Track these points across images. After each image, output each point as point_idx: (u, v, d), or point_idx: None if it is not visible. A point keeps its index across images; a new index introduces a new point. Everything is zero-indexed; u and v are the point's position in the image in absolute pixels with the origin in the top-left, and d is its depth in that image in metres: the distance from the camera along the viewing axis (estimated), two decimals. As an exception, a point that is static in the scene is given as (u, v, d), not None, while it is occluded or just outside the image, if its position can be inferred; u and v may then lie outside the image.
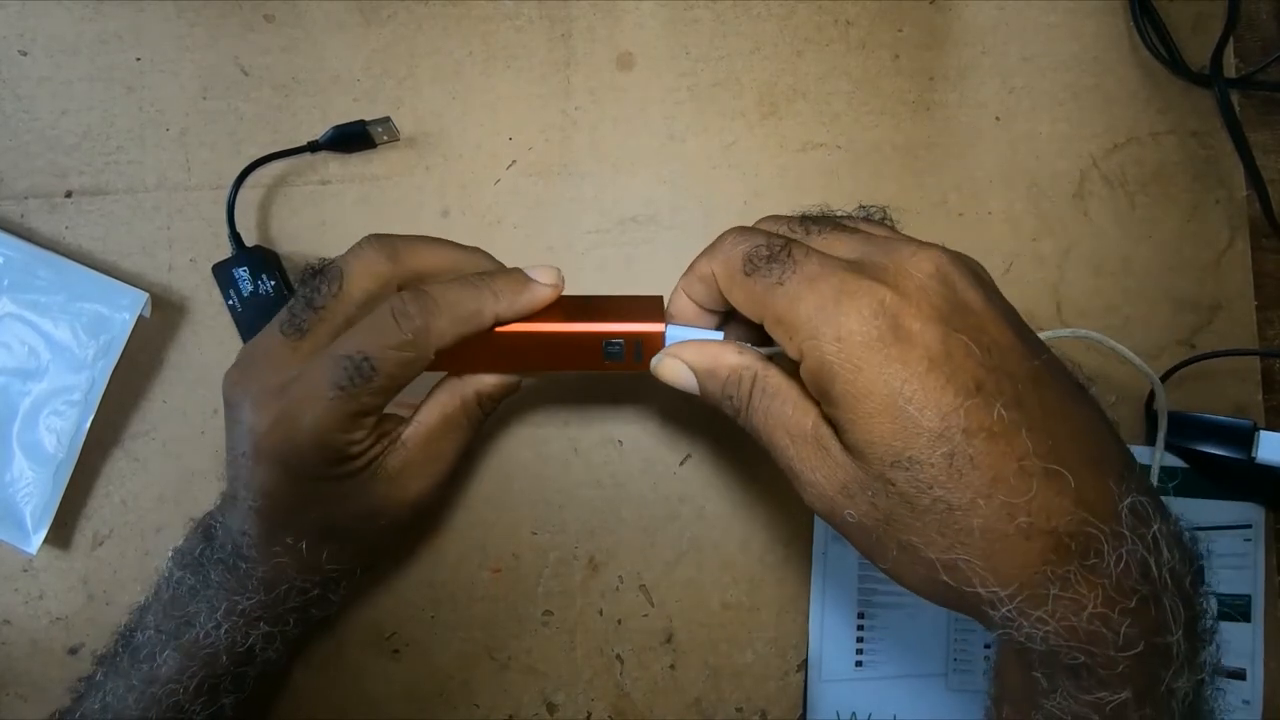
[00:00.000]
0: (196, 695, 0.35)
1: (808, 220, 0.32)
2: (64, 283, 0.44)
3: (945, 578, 0.26)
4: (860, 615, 0.45)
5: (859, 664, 0.45)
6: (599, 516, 0.46)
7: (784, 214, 0.34)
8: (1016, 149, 0.47)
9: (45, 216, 0.46)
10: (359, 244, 0.35)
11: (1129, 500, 0.25)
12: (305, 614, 0.38)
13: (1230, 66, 0.47)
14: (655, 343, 0.35)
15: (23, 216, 0.46)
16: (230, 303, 0.43)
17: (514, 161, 0.47)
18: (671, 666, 0.45)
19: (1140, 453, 0.45)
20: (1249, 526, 0.44)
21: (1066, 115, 0.47)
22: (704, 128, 0.47)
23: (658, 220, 0.47)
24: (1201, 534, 0.44)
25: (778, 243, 0.29)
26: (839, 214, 0.35)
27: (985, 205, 0.47)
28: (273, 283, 0.43)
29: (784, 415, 0.29)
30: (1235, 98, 0.46)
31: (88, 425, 0.43)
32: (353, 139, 0.45)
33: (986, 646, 0.45)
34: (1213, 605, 0.27)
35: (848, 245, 0.30)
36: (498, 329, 0.35)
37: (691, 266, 0.33)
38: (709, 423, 0.46)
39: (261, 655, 0.36)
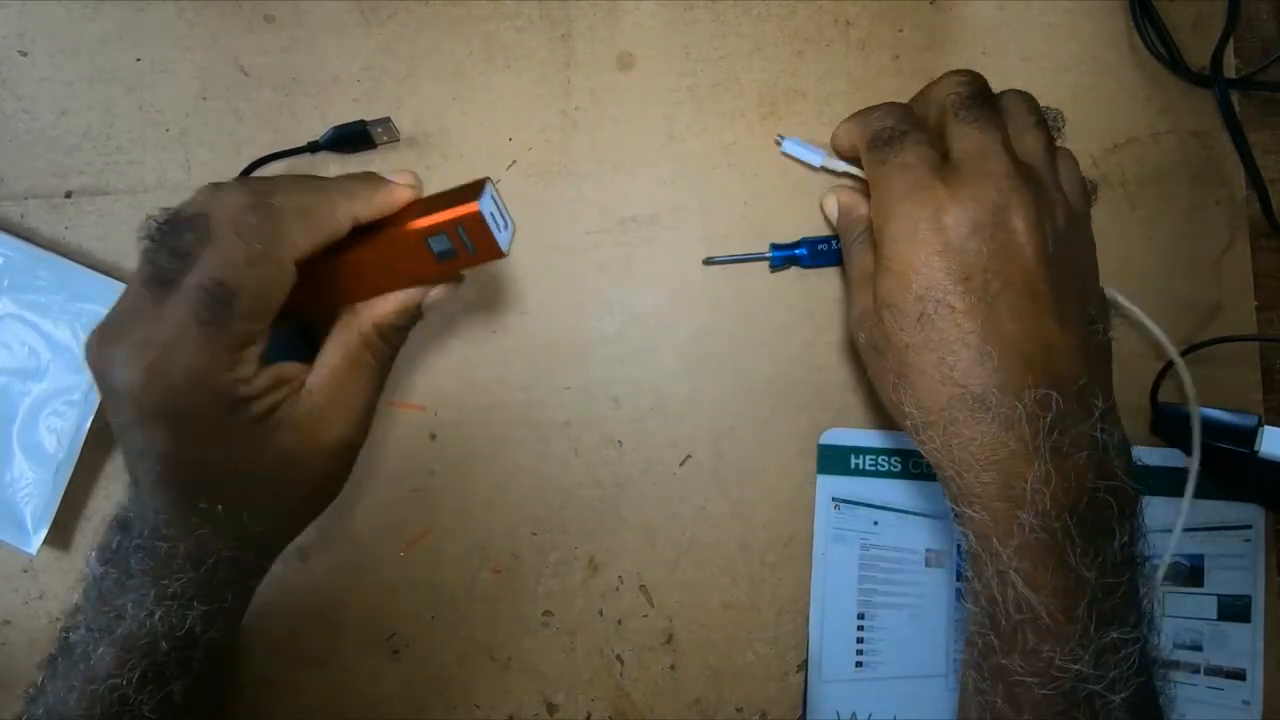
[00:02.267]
0: (141, 686, 0.33)
1: (968, 100, 0.36)
2: (64, 283, 0.44)
3: (892, 394, 0.36)
4: (860, 615, 0.45)
5: (859, 664, 0.45)
6: (599, 516, 0.46)
7: (981, 85, 0.37)
8: (1016, 149, 0.47)
9: (45, 216, 0.46)
10: (221, 185, 0.32)
11: (1040, 391, 0.32)
12: (243, 586, 0.36)
13: (1230, 66, 0.47)
14: (475, 225, 0.32)
15: (23, 216, 0.46)
16: None
17: (514, 161, 0.47)
18: (671, 667, 0.45)
19: (1145, 453, 0.45)
20: (1249, 527, 0.44)
21: (1067, 115, 0.47)
22: (704, 128, 0.47)
23: (658, 220, 0.47)
24: (1200, 534, 0.44)
25: (900, 129, 0.36)
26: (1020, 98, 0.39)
27: (985, 205, 0.47)
28: None
29: (865, 257, 0.39)
30: (1235, 98, 0.46)
31: (88, 425, 0.43)
32: (353, 139, 0.45)
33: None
34: (1124, 501, 0.33)
35: (969, 142, 0.35)
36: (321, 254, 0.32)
37: (845, 125, 0.41)
38: (709, 422, 0.46)
39: (204, 636, 0.34)
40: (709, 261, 0.46)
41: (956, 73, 0.38)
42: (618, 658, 0.45)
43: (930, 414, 0.34)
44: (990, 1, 0.48)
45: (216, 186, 0.32)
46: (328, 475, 0.36)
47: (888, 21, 0.47)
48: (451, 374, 0.46)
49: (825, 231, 0.46)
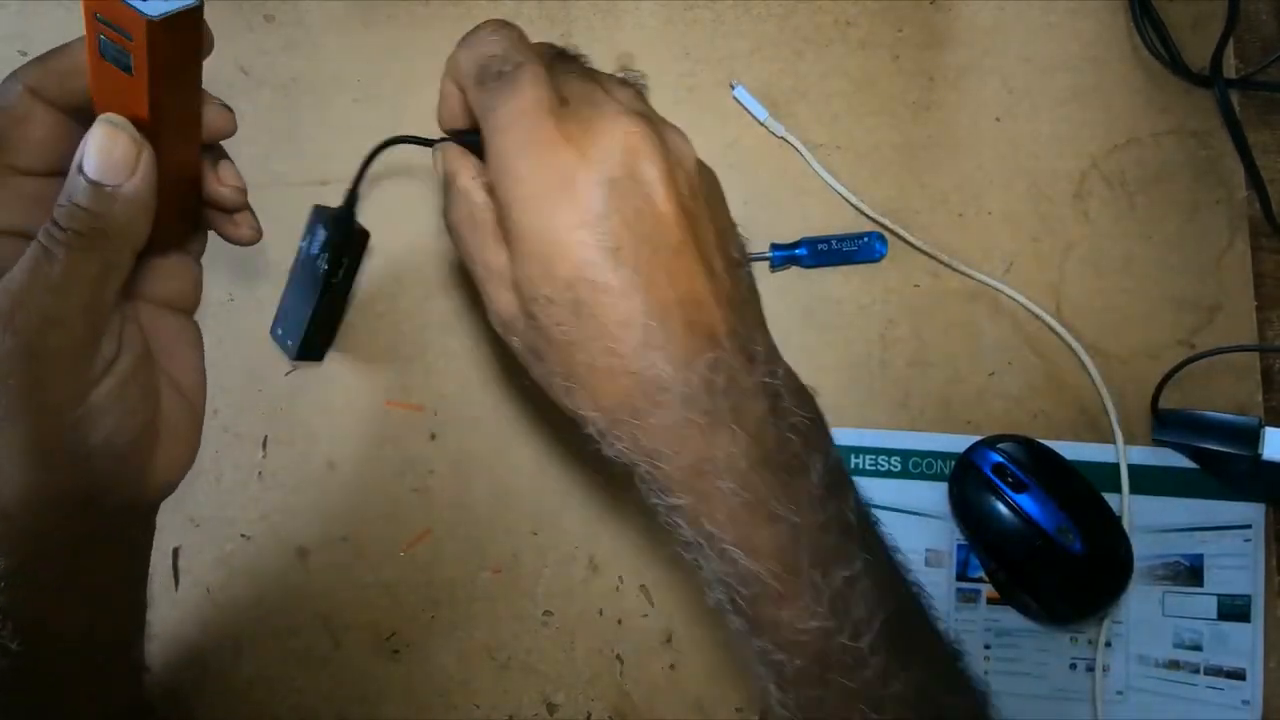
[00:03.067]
0: None
1: (563, 52, 0.33)
2: (64, 283, 0.44)
3: (564, 400, 0.31)
4: (860, 615, 0.45)
5: (859, 664, 0.45)
6: (599, 516, 0.46)
7: (553, 42, 0.34)
8: (1016, 149, 0.47)
9: (45, 216, 0.46)
10: None
11: (709, 356, 0.29)
12: None
13: (1230, 67, 0.47)
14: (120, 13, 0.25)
15: (23, 216, 0.46)
16: (302, 244, 0.41)
17: (514, 161, 0.47)
18: (671, 666, 0.45)
19: (1145, 453, 0.45)
20: (1249, 527, 0.44)
21: (1066, 115, 0.47)
22: (704, 128, 0.47)
23: (658, 220, 0.47)
24: (1201, 534, 0.44)
25: (514, 59, 0.30)
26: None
27: (985, 205, 0.47)
28: (326, 255, 0.40)
29: (486, 239, 0.31)
30: (1235, 98, 0.46)
31: (88, 425, 0.43)
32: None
33: (987, 647, 0.45)
34: (816, 438, 0.32)
35: (577, 88, 0.31)
36: None
37: (461, 44, 0.33)
38: (709, 423, 0.46)
39: None
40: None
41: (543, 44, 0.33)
42: (618, 657, 0.45)
43: (612, 413, 0.30)
44: (990, 1, 0.48)
45: None
46: (5, 367, 0.27)
47: (888, 21, 0.47)
48: (451, 374, 0.46)
49: (825, 231, 0.46)
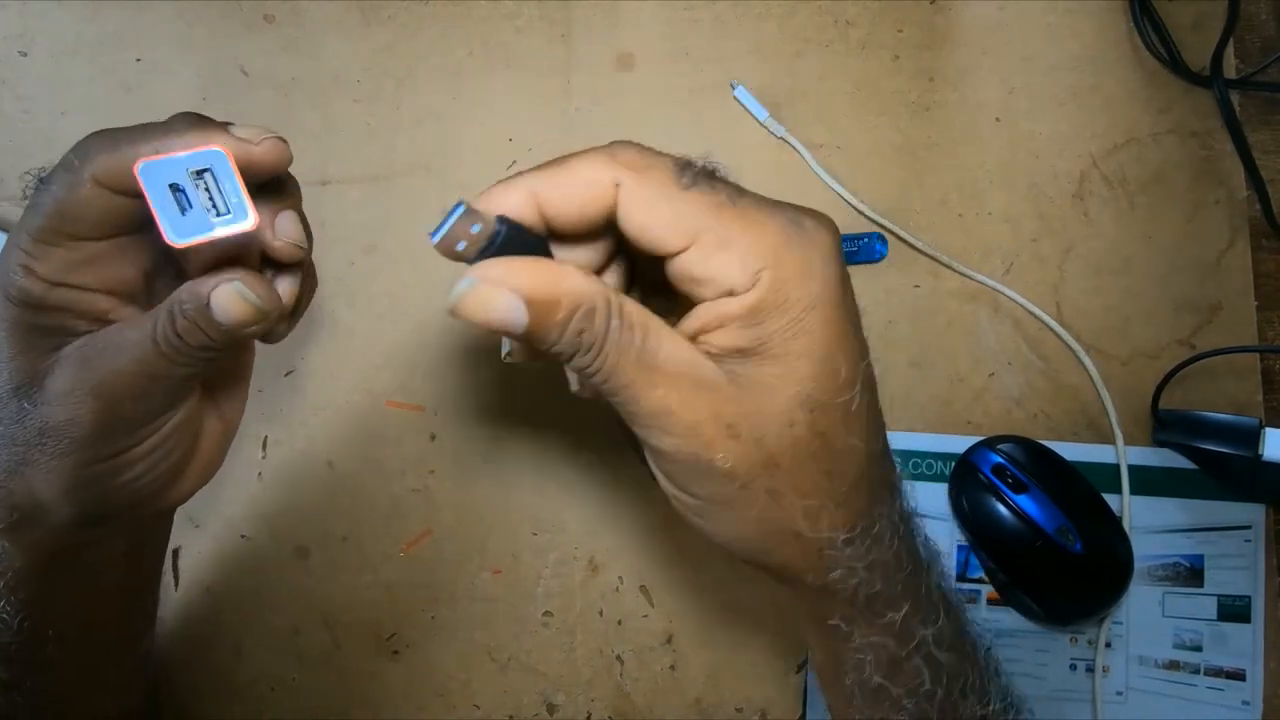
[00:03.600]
0: None
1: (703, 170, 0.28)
2: (64, 283, 0.44)
3: (800, 524, 0.27)
4: (860, 615, 0.45)
5: (859, 664, 0.45)
6: (599, 516, 0.46)
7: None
8: (1016, 149, 0.47)
9: (45, 216, 0.46)
10: None
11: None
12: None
13: (1230, 67, 0.47)
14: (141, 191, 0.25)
15: (23, 216, 0.46)
16: None
17: (514, 161, 0.47)
18: (671, 667, 0.45)
19: (1145, 454, 0.45)
20: (1249, 527, 0.44)
21: (1066, 115, 0.47)
22: (704, 128, 0.47)
23: (658, 220, 0.47)
24: (1201, 534, 0.44)
25: (708, 164, 0.27)
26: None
27: (985, 205, 0.47)
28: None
29: (655, 348, 0.25)
30: (1235, 98, 0.46)
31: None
32: None
33: (987, 649, 0.44)
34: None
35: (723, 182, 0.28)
36: None
37: (568, 169, 0.26)
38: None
39: None
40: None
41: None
42: (618, 658, 0.45)
43: (861, 524, 0.27)
44: (990, 1, 0.48)
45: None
46: (56, 425, 0.29)
47: (888, 21, 0.47)
48: (451, 374, 0.46)
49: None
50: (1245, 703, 0.44)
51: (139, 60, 0.47)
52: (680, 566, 0.46)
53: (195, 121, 0.27)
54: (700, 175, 0.26)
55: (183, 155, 0.24)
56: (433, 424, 0.46)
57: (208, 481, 0.34)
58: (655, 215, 0.26)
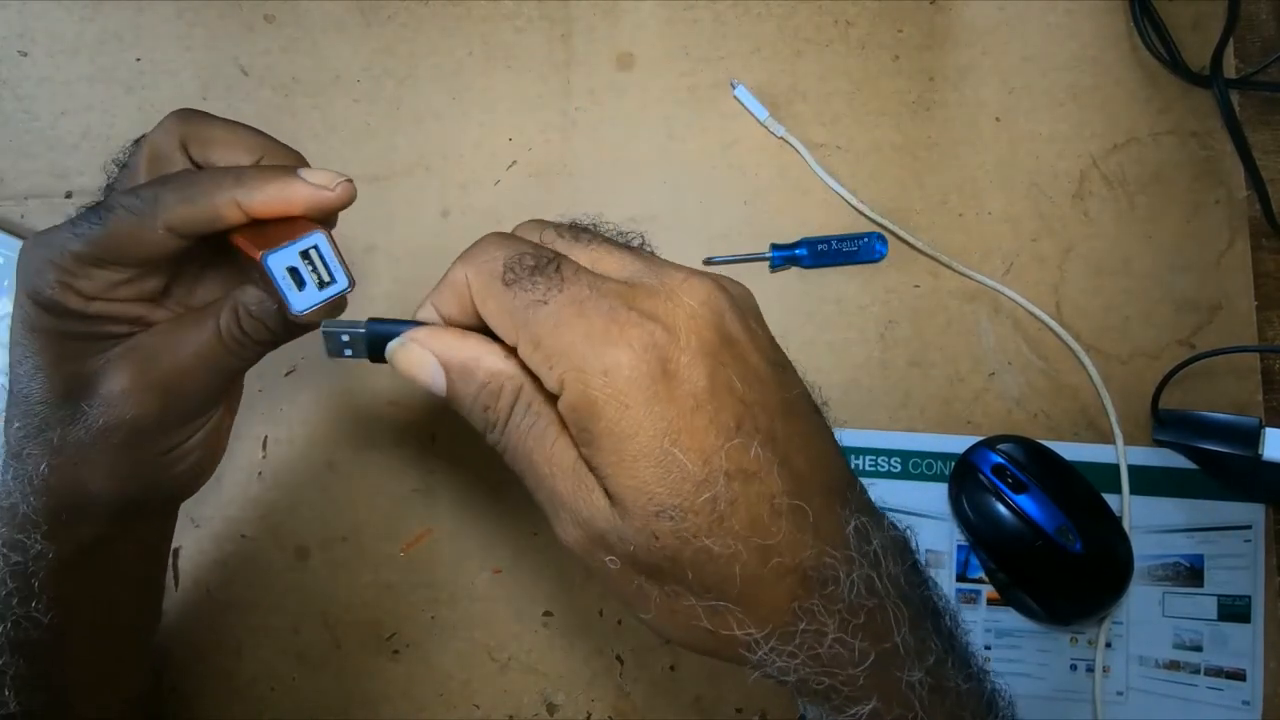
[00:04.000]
0: None
1: (578, 229, 0.29)
2: (64, 283, 0.44)
3: (706, 624, 0.26)
4: (860, 615, 0.45)
5: (859, 664, 0.45)
6: (599, 516, 0.46)
7: (550, 219, 0.30)
8: (1016, 149, 0.47)
9: (45, 216, 0.46)
10: (175, 113, 0.32)
11: (853, 523, 0.26)
12: (14, 536, 0.31)
13: (1230, 66, 0.47)
14: (262, 271, 0.29)
15: (23, 217, 0.46)
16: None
17: (514, 161, 0.47)
18: (671, 667, 0.45)
19: (1145, 454, 0.45)
20: (1249, 527, 0.44)
21: (1066, 115, 0.47)
22: (704, 128, 0.47)
23: (658, 220, 0.47)
24: (1201, 534, 0.44)
25: (546, 254, 0.26)
26: (607, 229, 0.31)
27: (985, 205, 0.47)
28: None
29: (547, 441, 0.26)
30: (1235, 98, 0.46)
31: (88, 425, 0.43)
32: None
33: (987, 648, 0.45)
34: (934, 584, 0.29)
35: (618, 263, 0.27)
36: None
37: (445, 275, 0.28)
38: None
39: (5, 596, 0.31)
40: (709, 261, 0.46)
41: (523, 224, 0.30)
42: (618, 658, 0.45)
43: (782, 625, 0.25)
44: (990, 1, 0.48)
45: (178, 110, 0.33)
46: (115, 424, 0.31)
47: (888, 21, 0.47)
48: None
49: (825, 231, 0.46)
50: (1245, 703, 0.44)
51: (139, 60, 0.47)
52: (680, 566, 0.46)
53: (271, 175, 0.30)
54: (526, 270, 0.26)
55: (296, 243, 0.29)
56: (433, 424, 0.46)
57: (211, 474, 0.36)
58: (487, 313, 0.26)
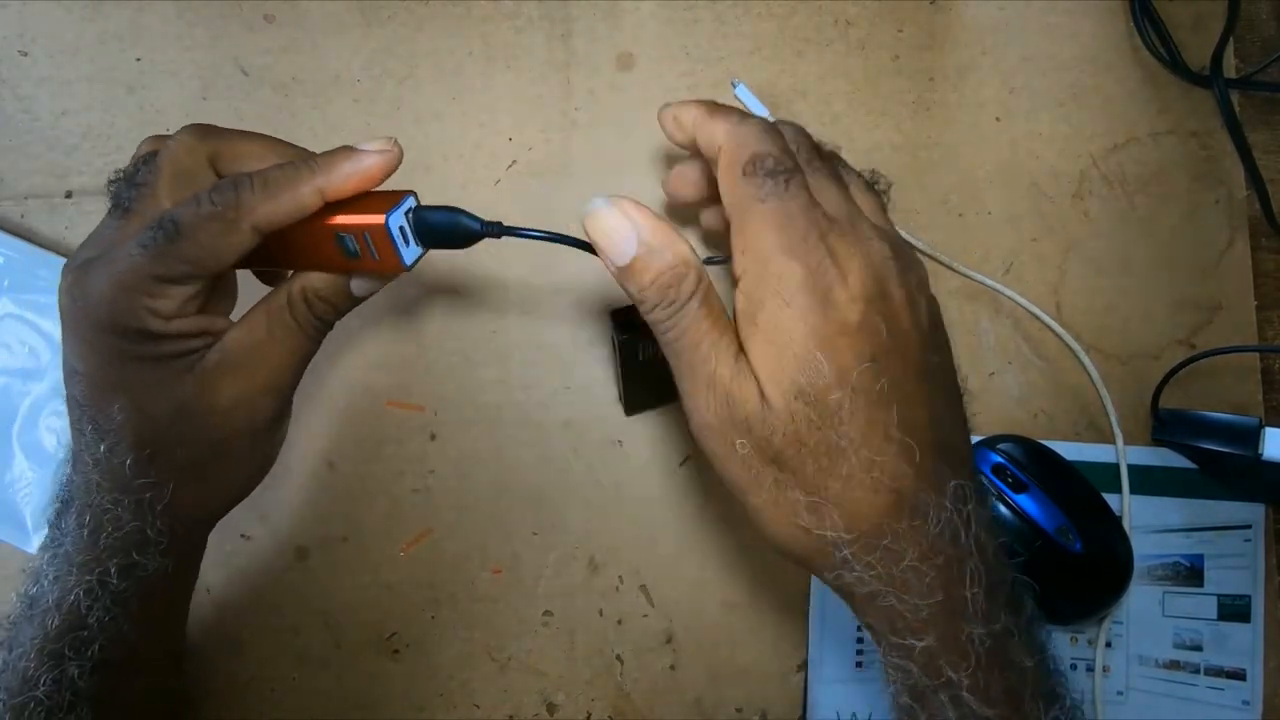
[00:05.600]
0: (40, 662, 0.32)
1: (824, 154, 0.32)
2: (64, 283, 0.44)
3: (803, 520, 0.29)
4: (860, 615, 0.45)
5: (859, 665, 0.45)
6: (599, 516, 0.46)
7: (808, 132, 0.33)
8: (1016, 149, 0.47)
9: (45, 216, 0.46)
10: (183, 129, 0.34)
11: (955, 482, 0.29)
12: (128, 560, 0.32)
13: (1230, 67, 0.47)
14: (380, 237, 0.32)
15: (23, 216, 0.46)
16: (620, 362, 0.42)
17: (514, 161, 0.47)
18: (671, 667, 0.45)
19: (1145, 453, 0.45)
20: (1249, 527, 0.44)
21: (1066, 115, 0.47)
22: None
23: (658, 220, 0.47)
24: (1201, 534, 0.44)
25: (785, 164, 0.30)
26: (846, 164, 0.35)
27: (985, 205, 0.47)
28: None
29: (716, 331, 0.30)
30: (1235, 98, 0.46)
31: (88, 425, 0.43)
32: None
33: None
34: (1021, 580, 0.31)
35: (834, 199, 0.31)
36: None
37: (707, 123, 0.32)
38: (709, 423, 0.46)
39: (90, 615, 0.32)
40: (709, 261, 0.46)
41: (789, 123, 0.33)
42: (618, 658, 0.45)
43: (868, 534, 0.28)
44: (990, 1, 0.48)
45: (191, 126, 0.34)
46: (230, 434, 0.33)
47: (888, 21, 0.47)
48: (451, 374, 0.46)
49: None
50: (1245, 702, 0.44)
51: (139, 60, 0.47)
52: (680, 566, 0.46)
53: (340, 157, 0.31)
54: (764, 170, 0.29)
55: (400, 205, 0.32)
56: (433, 424, 0.46)
57: (249, 492, 0.38)
58: (720, 184, 0.31)
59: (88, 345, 0.31)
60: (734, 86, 0.47)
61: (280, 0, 0.47)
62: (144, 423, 0.32)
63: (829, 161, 0.32)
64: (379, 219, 0.31)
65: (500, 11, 0.47)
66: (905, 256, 0.31)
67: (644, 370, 0.42)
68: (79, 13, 0.47)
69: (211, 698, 0.45)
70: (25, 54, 0.47)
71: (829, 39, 0.47)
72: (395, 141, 0.32)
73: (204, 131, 0.33)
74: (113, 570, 0.32)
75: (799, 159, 0.31)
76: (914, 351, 0.29)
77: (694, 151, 0.34)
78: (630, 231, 0.29)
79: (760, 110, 0.46)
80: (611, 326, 0.42)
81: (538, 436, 0.46)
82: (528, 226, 0.32)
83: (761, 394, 0.28)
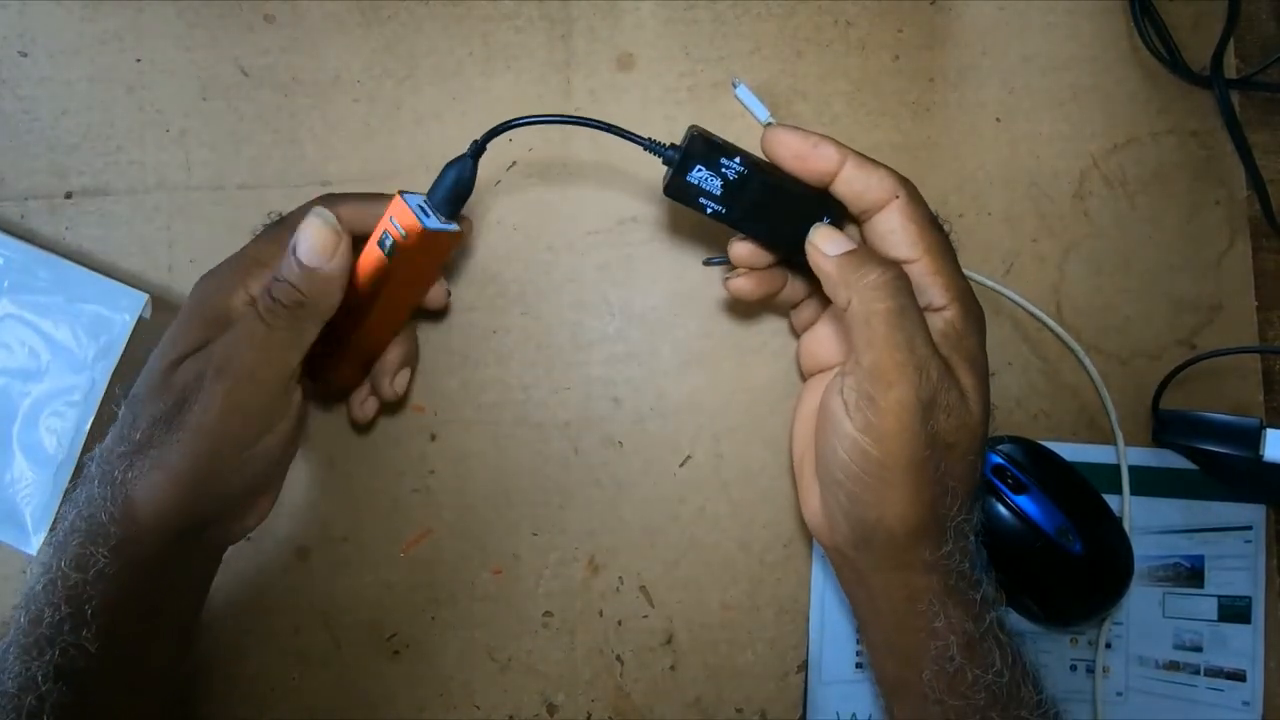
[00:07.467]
0: (39, 655, 0.32)
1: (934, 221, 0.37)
2: (64, 284, 0.44)
3: (938, 501, 0.34)
4: (860, 616, 0.45)
5: (859, 665, 0.45)
6: (599, 516, 0.46)
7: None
8: (1016, 149, 0.47)
9: (45, 217, 0.46)
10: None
11: (969, 523, 0.36)
12: (86, 550, 0.32)
13: (1230, 67, 0.47)
14: (399, 208, 0.36)
15: (23, 217, 0.46)
16: (710, 210, 0.38)
17: (514, 162, 0.47)
18: (671, 667, 0.45)
19: (1145, 454, 0.45)
20: (1249, 528, 0.44)
21: (1066, 115, 0.47)
22: (704, 127, 0.47)
23: (658, 220, 0.47)
24: (1201, 535, 0.44)
25: (942, 221, 0.37)
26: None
27: (985, 205, 0.47)
28: (736, 159, 0.38)
29: (935, 332, 0.35)
30: (1235, 98, 0.46)
31: (88, 426, 0.43)
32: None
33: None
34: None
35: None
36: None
37: (888, 191, 0.36)
38: (709, 423, 0.46)
39: (98, 619, 0.32)
40: (709, 262, 0.46)
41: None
42: (618, 658, 0.45)
43: (970, 504, 0.36)
44: (990, 1, 0.48)
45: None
46: (227, 431, 0.35)
47: (888, 21, 0.47)
48: (451, 374, 0.46)
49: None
50: (1245, 703, 0.44)
51: (139, 60, 0.47)
52: (680, 566, 0.46)
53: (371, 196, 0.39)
54: (928, 220, 0.36)
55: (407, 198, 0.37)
56: (433, 424, 0.46)
57: (264, 519, 0.39)
58: (906, 231, 0.36)
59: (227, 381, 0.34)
60: (734, 87, 0.47)
61: (280, 0, 0.47)
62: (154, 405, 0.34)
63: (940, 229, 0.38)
64: (394, 196, 0.36)
65: (500, 11, 0.47)
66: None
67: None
68: (79, 13, 0.47)
69: (211, 698, 0.45)
70: (25, 54, 0.47)
71: (829, 39, 0.47)
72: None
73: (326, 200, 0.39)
74: (70, 558, 0.32)
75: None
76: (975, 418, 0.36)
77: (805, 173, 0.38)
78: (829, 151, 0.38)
79: (760, 111, 0.46)
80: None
81: (538, 436, 0.46)
82: (501, 122, 0.37)
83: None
